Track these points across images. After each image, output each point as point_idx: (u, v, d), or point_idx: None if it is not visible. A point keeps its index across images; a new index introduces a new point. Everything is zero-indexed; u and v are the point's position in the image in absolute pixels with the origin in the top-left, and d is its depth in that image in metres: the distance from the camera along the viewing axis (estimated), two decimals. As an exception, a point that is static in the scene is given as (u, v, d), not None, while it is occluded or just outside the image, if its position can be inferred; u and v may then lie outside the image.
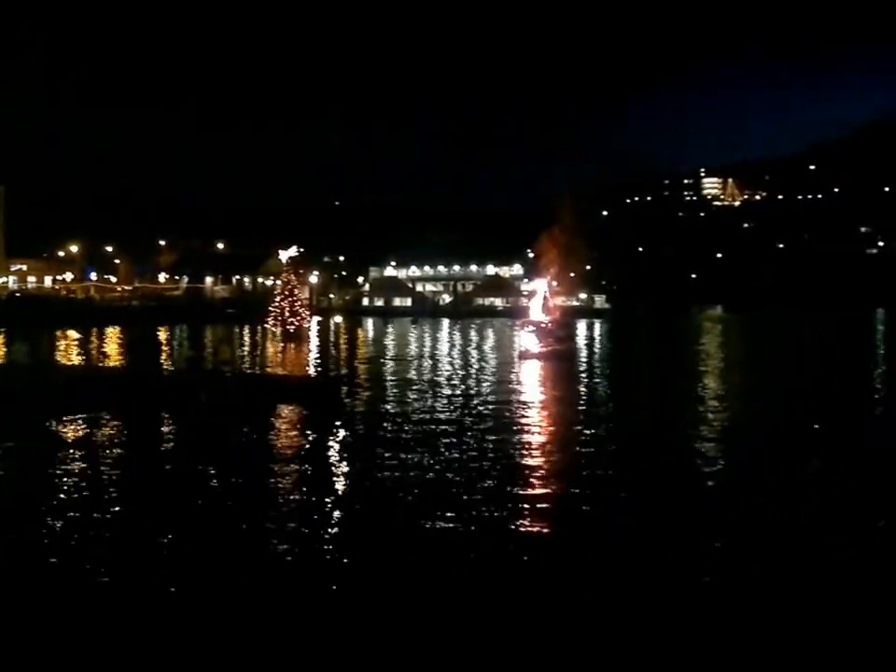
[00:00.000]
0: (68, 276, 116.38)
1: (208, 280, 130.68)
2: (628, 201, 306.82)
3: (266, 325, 68.47)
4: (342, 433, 22.66)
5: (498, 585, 11.13)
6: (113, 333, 67.47)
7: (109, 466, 18.09)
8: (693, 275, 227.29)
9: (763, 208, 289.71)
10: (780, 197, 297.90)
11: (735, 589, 11.07)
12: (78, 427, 22.65)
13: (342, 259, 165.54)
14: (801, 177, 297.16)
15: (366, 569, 11.77)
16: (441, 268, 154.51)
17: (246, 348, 57.19)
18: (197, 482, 16.81)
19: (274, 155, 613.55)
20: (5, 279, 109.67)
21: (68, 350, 50.73)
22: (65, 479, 16.69)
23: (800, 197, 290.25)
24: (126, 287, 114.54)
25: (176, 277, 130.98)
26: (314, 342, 61.73)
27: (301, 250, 75.99)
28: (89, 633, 9.67)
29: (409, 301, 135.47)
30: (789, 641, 9.57)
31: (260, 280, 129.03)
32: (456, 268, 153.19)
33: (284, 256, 71.95)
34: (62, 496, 15.41)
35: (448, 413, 25.53)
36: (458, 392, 30.71)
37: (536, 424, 24.09)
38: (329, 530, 13.71)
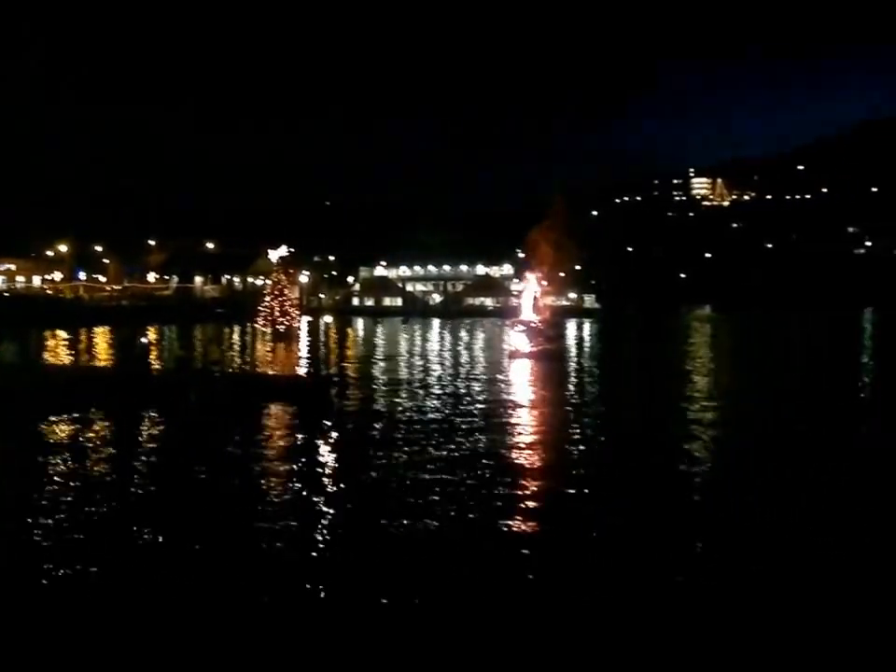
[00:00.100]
0: (57, 276, 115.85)
1: (198, 280, 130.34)
2: (618, 201, 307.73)
3: (256, 324, 68.39)
4: (331, 432, 22.67)
5: (483, 584, 11.18)
6: (102, 333, 67.23)
7: (95, 465, 18.04)
8: (683, 275, 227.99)
9: (751, 208, 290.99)
10: (769, 197, 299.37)
11: (716, 589, 11.16)
12: (66, 427, 22.58)
13: (332, 258, 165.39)
14: (789, 178, 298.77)
15: (350, 567, 11.80)
16: (431, 268, 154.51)
17: (236, 348, 57.07)
18: (184, 481, 16.80)
19: (274, 155, 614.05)
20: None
21: (57, 350, 50.51)
22: (51, 478, 16.65)
23: (788, 197, 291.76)
24: (115, 287, 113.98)
25: (166, 277, 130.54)
26: (303, 341, 61.63)
27: (291, 250, 75.91)
28: (68, 635, 9.68)
29: (399, 301, 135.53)
30: (772, 640, 9.66)
31: (250, 280, 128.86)
32: (447, 268, 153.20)
33: (274, 255, 71.83)
34: (46, 494, 15.36)
35: (438, 413, 25.57)
36: (448, 392, 30.75)
37: (525, 423, 24.14)
38: (317, 529, 13.72)
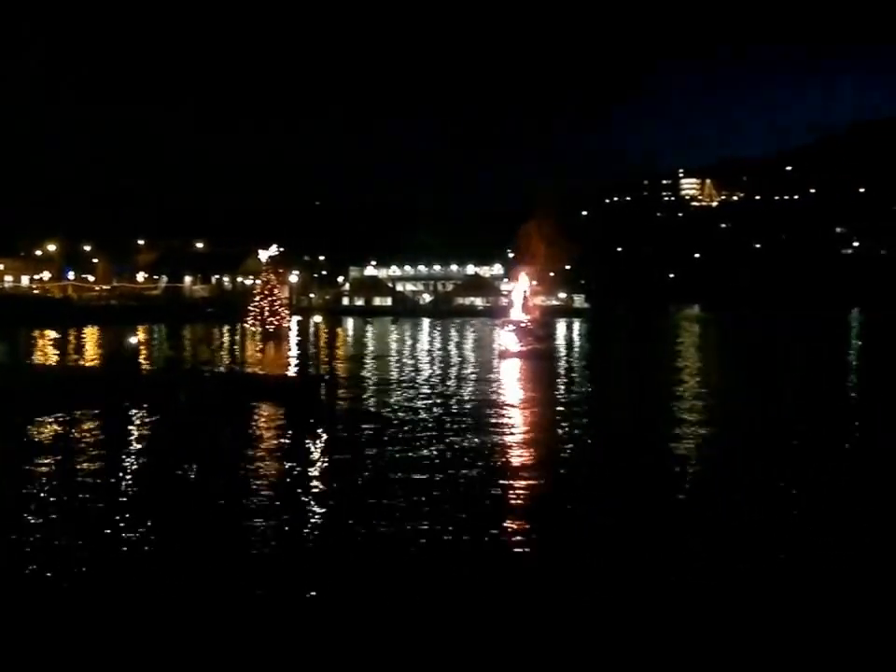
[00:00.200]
0: (46, 275, 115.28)
1: (187, 279, 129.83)
2: (607, 201, 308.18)
3: (245, 324, 68.28)
4: (321, 432, 22.69)
5: (473, 584, 11.24)
6: (91, 333, 66.97)
7: (83, 465, 18.00)
8: (672, 275, 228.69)
9: (740, 209, 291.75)
10: (757, 198, 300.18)
11: (705, 587, 11.25)
12: (54, 427, 22.52)
13: (322, 258, 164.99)
14: (778, 178, 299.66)
15: (338, 567, 11.84)
16: (421, 267, 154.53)
17: (226, 348, 56.97)
18: (172, 480, 16.80)
19: (274, 155, 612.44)
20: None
21: (45, 350, 50.29)
22: (38, 478, 16.62)
23: (777, 198, 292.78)
24: (104, 287, 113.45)
25: (155, 277, 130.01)
26: (293, 341, 61.60)
27: (281, 249, 75.75)
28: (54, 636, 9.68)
29: (389, 301, 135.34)
30: (762, 638, 9.76)
31: (240, 279, 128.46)
32: (437, 267, 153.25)
33: (263, 255, 71.69)
34: (33, 494, 15.34)
35: (427, 413, 25.62)
36: (438, 391, 30.81)
37: (515, 423, 24.22)
38: (306, 528, 13.76)
